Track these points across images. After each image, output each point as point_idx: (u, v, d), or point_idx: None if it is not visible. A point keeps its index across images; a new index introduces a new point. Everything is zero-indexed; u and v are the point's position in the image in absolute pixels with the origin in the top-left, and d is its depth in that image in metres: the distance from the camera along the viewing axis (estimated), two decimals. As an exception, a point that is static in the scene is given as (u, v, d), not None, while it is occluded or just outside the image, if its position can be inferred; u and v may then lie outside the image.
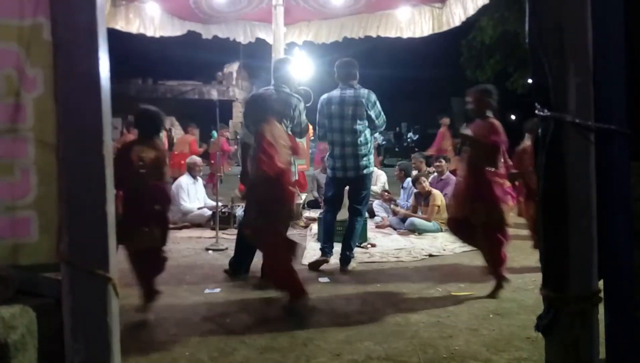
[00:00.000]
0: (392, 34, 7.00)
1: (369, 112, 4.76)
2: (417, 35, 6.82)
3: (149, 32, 6.96)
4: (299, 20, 7.58)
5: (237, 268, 4.58)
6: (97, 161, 1.77)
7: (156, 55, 19.57)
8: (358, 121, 4.73)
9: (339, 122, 4.77)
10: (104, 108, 1.78)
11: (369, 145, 4.87)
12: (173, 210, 7.15)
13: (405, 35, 6.91)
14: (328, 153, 5.00)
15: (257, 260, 4.57)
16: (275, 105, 4.37)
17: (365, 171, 4.83)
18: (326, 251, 4.92)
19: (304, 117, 4.60)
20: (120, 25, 6.69)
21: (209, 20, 7.33)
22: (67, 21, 1.76)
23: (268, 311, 3.68)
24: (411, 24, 6.82)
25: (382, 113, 4.88)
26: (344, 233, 4.98)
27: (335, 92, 4.85)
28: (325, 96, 4.91)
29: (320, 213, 5.66)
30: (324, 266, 4.84)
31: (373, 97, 4.80)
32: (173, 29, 7.23)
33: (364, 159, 4.79)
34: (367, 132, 4.84)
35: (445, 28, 6.55)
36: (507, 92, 19.77)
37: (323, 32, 7.51)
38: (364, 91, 4.80)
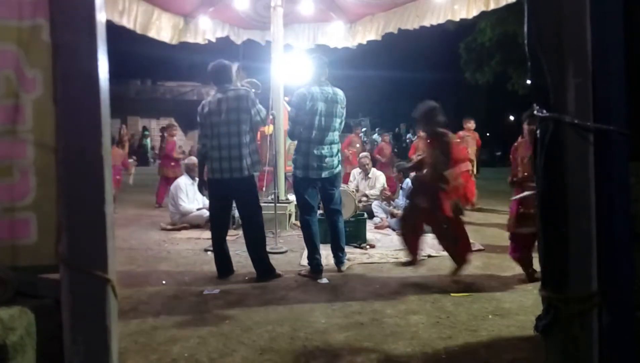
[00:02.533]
0: (444, 18, 6.75)
1: (343, 111, 4.74)
2: (470, 16, 6.52)
3: (212, 38, 7.90)
4: (364, 16, 7.80)
5: (224, 270, 4.63)
6: (96, 162, 1.76)
7: (155, 56, 19.57)
8: (338, 120, 4.69)
9: (325, 120, 4.58)
10: (102, 109, 1.78)
11: (339, 144, 4.85)
12: (172, 211, 7.20)
13: (457, 18, 6.63)
14: (299, 153, 4.65)
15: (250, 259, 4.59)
16: (229, 103, 4.43)
17: (338, 170, 4.80)
18: (317, 267, 4.64)
19: (259, 105, 4.56)
20: (191, 39, 7.69)
21: (266, 26, 7.83)
22: (66, 22, 1.76)
23: (267, 312, 3.68)
24: (464, 5, 6.51)
25: None
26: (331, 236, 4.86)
27: (316, 89, 4.58)
28: (304, 91, 4.59)
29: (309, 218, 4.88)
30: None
31: (344, 96, 4.78)
32: (235, 38, 8.31)
33: (337, 157, 4.76)
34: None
35: (497, 5, 6.21)
36: (508, 94, 19.81)
37: (382, 25, 7.57)
38: (339, 90, 4.75)
